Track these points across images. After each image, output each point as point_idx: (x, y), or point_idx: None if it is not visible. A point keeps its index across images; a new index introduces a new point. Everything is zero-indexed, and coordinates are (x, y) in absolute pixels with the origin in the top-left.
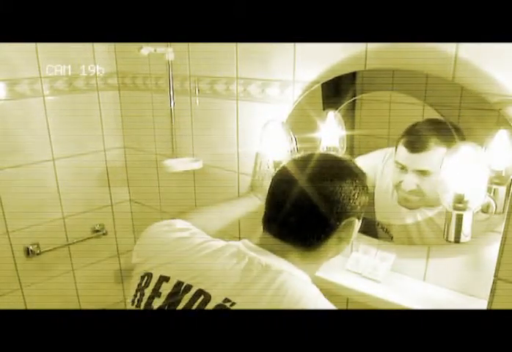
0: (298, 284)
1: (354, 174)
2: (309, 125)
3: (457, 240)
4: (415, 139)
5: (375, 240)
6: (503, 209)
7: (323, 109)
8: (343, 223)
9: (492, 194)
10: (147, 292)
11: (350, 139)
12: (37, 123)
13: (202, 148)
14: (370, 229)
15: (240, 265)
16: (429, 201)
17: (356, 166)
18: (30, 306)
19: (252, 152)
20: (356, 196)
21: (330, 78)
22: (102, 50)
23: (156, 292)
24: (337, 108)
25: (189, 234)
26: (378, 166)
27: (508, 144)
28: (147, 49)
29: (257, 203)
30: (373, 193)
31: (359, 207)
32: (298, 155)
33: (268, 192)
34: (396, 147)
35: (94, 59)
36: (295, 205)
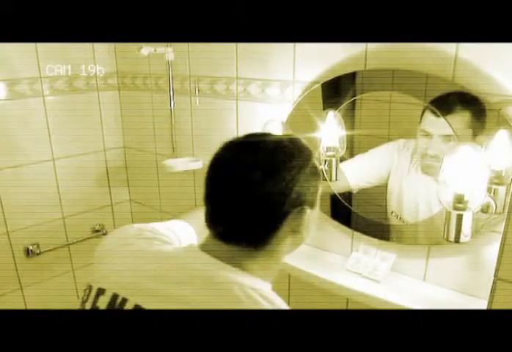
0: (251, 298)
1: (299, 155)
2: (309, 124)
3: (457, 240)
4: (440, 105)
5: (375, 240)
6: (503, 209)
7: (323, 109)
8: (292, 213)
9: (492, 194)
10: (87, 306)
11: (350, 139)
12: (37, 123)
13: (202, 148)
14: (371, 228)
15: (183, 276)
16: None
17: (302, 146)
18: (30, 306)
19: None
20: (303, 181)
21: (330, 78)
22: (102, 50)
23: (93, 306)
24: (336, 108)
25: (142, 241)
26: (394, 155)
27: (508, 144)
28: (147, 49)
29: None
30: (387, 183)
31: (309, 193)
32: (232, 139)
33: (204, 184)
34: (422, 116)
35: (95, 59)
36: (232, 197)
